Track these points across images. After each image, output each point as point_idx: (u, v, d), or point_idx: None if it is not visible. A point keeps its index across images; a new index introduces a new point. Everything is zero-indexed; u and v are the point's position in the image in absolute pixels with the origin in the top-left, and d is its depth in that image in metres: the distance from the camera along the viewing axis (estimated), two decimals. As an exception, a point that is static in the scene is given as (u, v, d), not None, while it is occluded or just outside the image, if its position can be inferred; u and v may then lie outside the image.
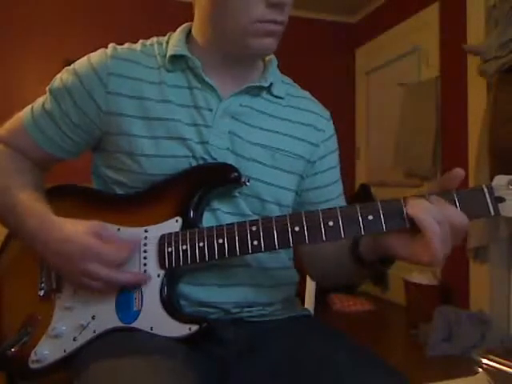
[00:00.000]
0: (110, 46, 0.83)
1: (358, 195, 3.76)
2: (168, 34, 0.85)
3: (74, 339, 0.73)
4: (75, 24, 3.43)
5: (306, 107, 0.88)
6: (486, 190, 0.60)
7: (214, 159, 0.78)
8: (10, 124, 0.86)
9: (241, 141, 0.79)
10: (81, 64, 0.81)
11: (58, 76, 0.83)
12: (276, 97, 0.85)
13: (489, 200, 0.60)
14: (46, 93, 0.84)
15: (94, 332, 0.72)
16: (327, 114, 0.92)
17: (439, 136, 3.09)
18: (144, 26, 3.53)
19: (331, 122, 0.92)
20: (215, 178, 0.76)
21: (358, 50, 4.12)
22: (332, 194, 0.91)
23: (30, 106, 0.85)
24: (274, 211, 0.82)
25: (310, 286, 1.13)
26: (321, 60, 4.05)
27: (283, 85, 0.88)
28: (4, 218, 0.79)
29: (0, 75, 3.30)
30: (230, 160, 0.78)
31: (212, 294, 0.77)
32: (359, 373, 0.66)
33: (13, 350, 0.76)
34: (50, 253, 0.72)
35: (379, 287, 3.64)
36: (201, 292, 0.76)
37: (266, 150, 0.81)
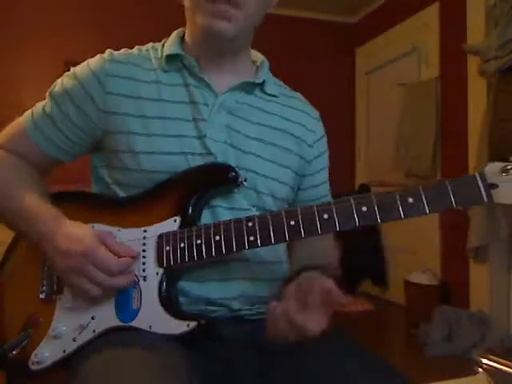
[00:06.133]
0: (107, 51, 0.85)
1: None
2: (163, 40, 0.88)
3: (74, 339, 0.74)
4: (75, 25, 3.43)
5: (297, 107, 0.92)
6: (478, 177, 0.61)
7: (212, 154, 0.79)
8: (10, 129, 0.86)
9: (238, 134, 0.82)
10: (80, 68, 0.83)
11: (58, 81, 0.85)
12: (269, 95, 0.88)
13: (482, 187, 0.61)
14: (45, 95, 0.85)
15: (94, 332, 0.73)
16: (317, 114, 0.95)
17: (439, 136, 3.10)
18: (144, 27, 3.53)
19: (321, 123, 0.95)
20: (213, 179, 0.78)
21: (358, 49, 4.12)
22: (323, 192, 0.95)
23: (29, 111, 0.86)
24: (269, 203, 0.84)
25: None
26: (321, 60, 4.05)
27: (275, 86, 0.91)
28: (11, 221, 0.80)
29: (0, 75, 3.30)
30: (228, 153, 0.80)
31: (211, 289, 0.77)
32: (360, 372, 0.67)
33: (14, 352, 0.76)
34: (54, 248, 0.72)
35: (379, 287, 3.64)
36: (200, 288, 0.77)
37: (262, 144, 0.83)
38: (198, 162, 0.79)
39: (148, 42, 0.91)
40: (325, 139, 0.95)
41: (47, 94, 0.85)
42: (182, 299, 0.76)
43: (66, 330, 0.74)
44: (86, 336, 0.73)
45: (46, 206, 0.77)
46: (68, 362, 0.73)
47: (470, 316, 2.55)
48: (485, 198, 0.60)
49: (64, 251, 0.71)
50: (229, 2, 0.74)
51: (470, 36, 2.81)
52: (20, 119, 0.86)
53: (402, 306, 3.18)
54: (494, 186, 0.60)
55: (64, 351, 0.74)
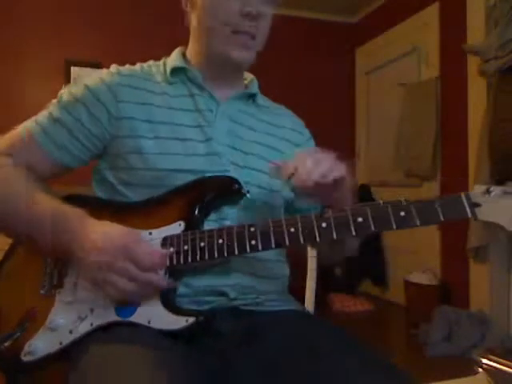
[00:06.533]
0: (113, 66, 0.90)
1: (358, 195, 3.76)
2: (162, 59, 0.95)
3: (71, 332, 0.75)
4: (75, 24, 3.43)
5: (284, 115, 1.03)
6: (463, 196, 0.68)
7: (217, 154, 0.85)
8: (10, 138, 0.86)
9: (239, 138, 0.90)
10: (90, 79, 0.88)
11: (65, 91, 0.88)
12: (260, 106, 0.98)
13: (466, 205, 0.68)
14: (47, 106, 0.87)
15: (91, 325, 0.74)
16: (302, 122, 1.06)
17: (439, 136, 3.10)
18: (144, 26, 3.53)
19: (307, 129, 1.05)
20: (218, 189, 0.82)
21: (358, 49, 4.12)
22: None
23: (32, 120, 0.87)
24: (271, 197, 0.90)
25: (310, 285, 1.13)
26: (321, 60, 4.05)
27: (264, 100, 1.02)
28: (22, 226, 0.78)
29: (0, 75, 3.30)
30: (233, 154, 0.87)
31: (211, 279, 0.80)
32: (360, 370, 0.67)
33: (6, 344, 0.77)
34: (87, 246, 0.72)
35: (379, 287, 3.64)
36: (201, 279, 0.79)
37: (261, 147, 0.92)
38: (203, 162, 0.84)
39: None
40: (312, 141, 1.04)
41: (54, 102, 0.87)
42: (183, 290, 0.78)
43: (64, 323, 0.75)
44: (83, 329, 0.74)
45: (68, 206, 0.78)
46: (64, 355, 0.74)
47: (470, 316, 2.55)
48: (469, 214, 0.68)
49: (100, 247, 0.71)
50: (249, 34, 0.85)
51: (470, 36, 2.81)
52: (19, 129, 0.86)
53: (402, 306, 3.18)
54: (477, 205, 0.68)
55: (60, 343, 0.75)
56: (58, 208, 0.77)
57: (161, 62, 0.94)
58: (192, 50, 0.93)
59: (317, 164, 0.71)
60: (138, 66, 0.93)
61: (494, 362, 0.66)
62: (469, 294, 2.78)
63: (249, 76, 1.01)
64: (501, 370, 0.65)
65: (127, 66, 0.91)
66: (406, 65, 3.53)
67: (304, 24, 3.99)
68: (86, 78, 0.88)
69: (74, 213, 0.76)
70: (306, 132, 1.04)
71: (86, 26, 3.44)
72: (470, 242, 2.62)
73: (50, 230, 0.75)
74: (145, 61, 0.96)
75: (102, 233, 0.73)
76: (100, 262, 0.71)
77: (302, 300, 1.07)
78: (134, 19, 3.50)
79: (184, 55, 0.94)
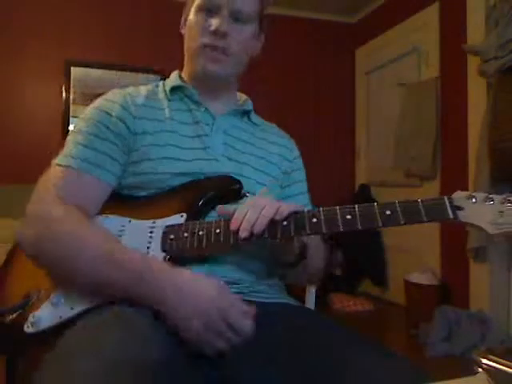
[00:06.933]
0: (117, 90, 0.97)
1: (358, 195, 3.77)
2: (161, 81, 1.04)
3: (72, 308, 0.79)
4: (75, 24, 3.43)
5: (276, 133, 1.10)
6: (446, 199, 0.73)
7: (215, 159, 0.92)
8: (49, 181, 0.85)
9: (233, 149, 0.97)
10: (98, 103, 0.93)
11: (79, 119, 0.92)
12: (254, 123, 1.06)
13: (448, 207, 0.72)
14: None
15: (91, 302, 0.78)
16: (292, 140, 1.13)
17: (439, 136, 3.10)
18: (144, 27, 3.54)
19: (296, 147, 1.12)
20: (219, 187, 0.89)
21: (358, 49, 4.12)
22: (304, 201, 1.07)
23: (60, 157, 0.87)
24: None
25: (310, 285, 1.13)
26: (321, 60, 4.05)
27: (257, 118, 1.09)
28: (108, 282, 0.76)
29: (0, 75, 3.30)
30: (227, 163, 0.94)
31: (209, 267, 0.84)
32: (359, 357, 0.70)
33: (11, 316, 0.80)
34: (185, 307, 0.72)
35: (379, 287, 3.65)
36: (201, 267, 0.83)
37: (254, 158, 0.98)
38: (204, 165, 0.90)
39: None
40: (301, 160, 1.11)
41: (74, 135, 0.89)
42: None
43: (66, 299, 0.80)
44: (84, 305, 0.78)
45: (150, 256, 0.79)
46: (61, 330, 0.74)
47: (470, 316, 2.55)
48: (451, 216, 0.71)
49: (200, 310, 0.71)
50: (219, 49, 0.92)
51: (470, 36, 2.81)
52: (53, 170, 0.86)
53: (402, 306, 3.18)
54: (460, 208, 0.72)
55: (60, 317, 0.78)
56: (141, 260, 0.76)
57: (160, 83, 1.03)
58: (186, 70, 1.03)
59: (259, 209, 0.76)
60: (141, 87, 1.01)
61: (494, 362, 0.66)
62: (469, 294, 2.78)
63: (243, 96, 1.08)
64: (501, 369, 0.65)
65: (131, 87, 0.99)
66: (406, 65, 3.53)
67: (304, 24, 4.00)
68: (93, 104, 0.94)
69: (166, 266, 0.77)
70: (296, 150, 1.10)
71: (86, 26, 3.44)
72: (469, 243, 2.62)
73: (132, 283, 0.74)
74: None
75: (203, 292, 0.72)
76: (199, 321, 0.70)
77: (302, 300, 1.07)
78: (134, 20, 3.50)
79: (181, 77, 1.03)
